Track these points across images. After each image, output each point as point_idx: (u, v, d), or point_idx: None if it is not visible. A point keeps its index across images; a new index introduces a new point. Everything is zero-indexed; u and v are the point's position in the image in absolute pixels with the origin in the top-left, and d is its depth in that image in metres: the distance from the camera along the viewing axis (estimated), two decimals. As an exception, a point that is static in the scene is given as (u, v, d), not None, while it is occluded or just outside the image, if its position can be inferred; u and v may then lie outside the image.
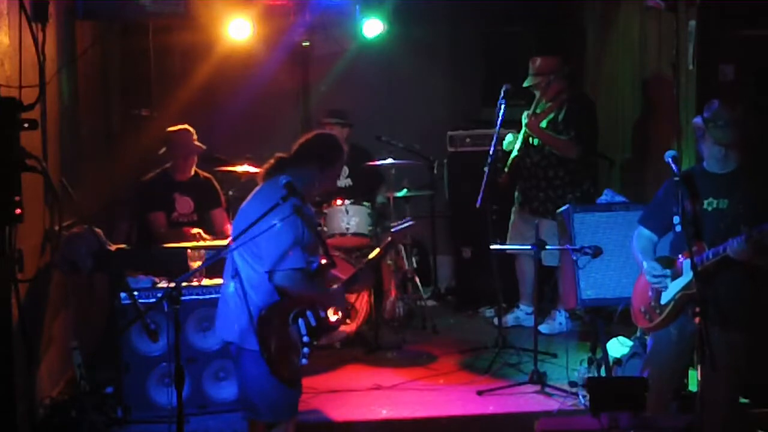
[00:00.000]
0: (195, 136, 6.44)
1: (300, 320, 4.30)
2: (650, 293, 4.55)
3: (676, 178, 4.42)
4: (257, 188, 4.48)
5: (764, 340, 4.64)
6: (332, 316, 4.51)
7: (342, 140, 4.49)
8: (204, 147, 6.48)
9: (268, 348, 4.24)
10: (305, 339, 4.28)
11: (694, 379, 4.46)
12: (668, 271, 4.47)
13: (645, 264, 4.56)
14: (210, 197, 6.53)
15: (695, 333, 4.36)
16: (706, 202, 4.44)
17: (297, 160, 4.43)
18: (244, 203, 4.46)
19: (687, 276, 4.36)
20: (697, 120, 4.55)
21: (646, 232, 4.70)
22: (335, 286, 4.50)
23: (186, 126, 6.43)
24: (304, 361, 4.29)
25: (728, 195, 4.40)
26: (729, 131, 4.41)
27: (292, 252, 4.22)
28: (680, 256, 4.44)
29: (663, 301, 4.48)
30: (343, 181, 7.54)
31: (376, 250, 4.81)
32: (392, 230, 5.14)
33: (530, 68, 6.92)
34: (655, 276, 4.49)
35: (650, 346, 4.69)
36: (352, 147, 7.54)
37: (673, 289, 4.44)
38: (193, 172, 6.50)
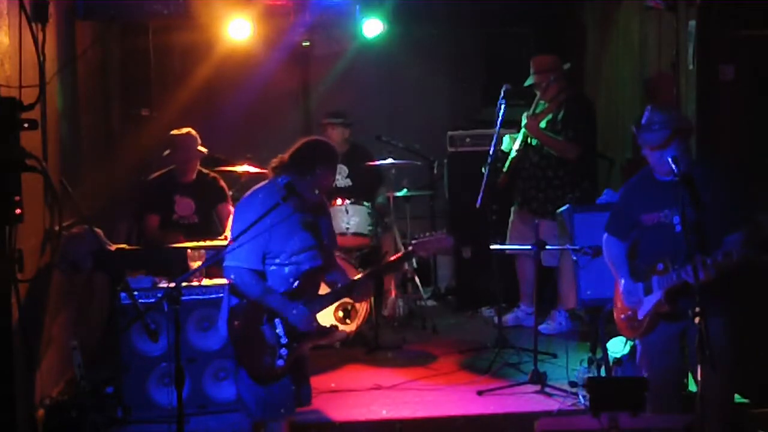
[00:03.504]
0: (199, 141, 6.44)
1: (276, 320, 4.32)
2: (627, 305, 4.57)
3: (676, 179, 4.41)
4: (259, 187, 4.54)
5: (762, 337, 4.64)
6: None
7: (336, 142, 4.44)
8: (206, 151, 6.48)
9: (235, 346, 4.32)
10: (282, 340, 4.30)
11: (692, 379, 4.46)
12: (642, 290, 4.48)
13: (622, 282, 4.59)
14: (214, 194, 6.52)
15: (681, 333, 4.42)
16: (662, 214, 4.42)
17: (289, 166, 4.46)
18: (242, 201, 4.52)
19: (657, 294, 4.38)
20: (633, 128, 4.55)
21: (612, 239, 4.72)
22: (323, 294, 4.50)
23: (190, 130, 6.43)
24: (280, 362, 4.29)
25: (676, 206, 4.31)
26: (661, 134, 4.37)
27: (248, 248, 4.23)
28: (653, 277, 4.41)
29: (640, 317, 4.50)
30: (343, 181, 7.53)
31: (390, 259, 4.78)
32: (413, 241, 4.62)
33: (531, 68, 6.93)
34: (631, 296, 4.52)
35: (640, 351, 4.71)
36: (352, 147, 7.59)
37: (646, 305, 4.46)
38: (196, 174, 6.50)
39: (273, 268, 4.41)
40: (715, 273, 4.11)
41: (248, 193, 4.54)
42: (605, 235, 4.76)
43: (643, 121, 4.47)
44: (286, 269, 4.40)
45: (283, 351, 4.30)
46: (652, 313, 4.42)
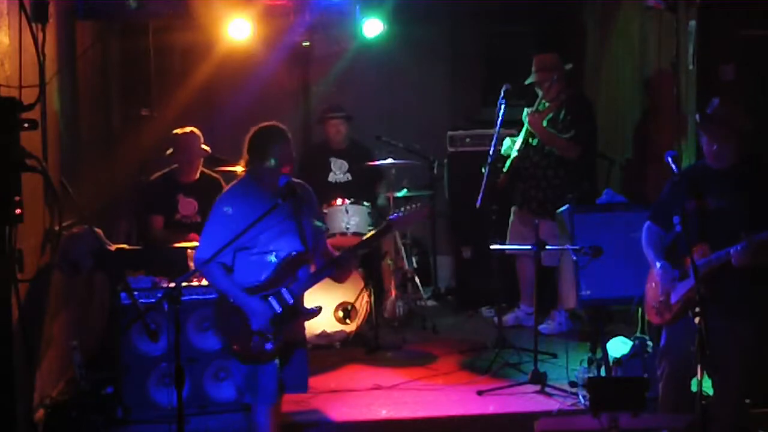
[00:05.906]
0: (201, 139, 6.42)
1: None
2: (660, 290, 4.57)
3: (676, 179, 4.43)
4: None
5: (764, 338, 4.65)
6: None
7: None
8: (209, 150, 6.45)
9: (219, 330, 4.49)
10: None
11: (694, 379, 4.46)
12: (678, 274, 4.50)
13: (657, 264, 4.59)
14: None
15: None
16: (708, 201, 4.45)
17: (249, 159, 4.55)
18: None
19: (692, 279, 4.37)
20: (697, 116, 4.58)
21: (654, 227, 4.72)
22: (307, 275, 4.54)
23: (193, 129, 6.41)
24: (268, 345, 4.35)
25: (726, 194, 4.42)
26: (721, 128, 4.42)
27: (216, 243, 4.27)
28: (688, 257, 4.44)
29: (672, 301, 4.50)
30: (343, 176, 7.52)
31: (368, 234, 4.86)
32: (390, 217, 4.77)
33: (533, 66, 6.92)
34: (666, 277, 4.53)
35: (664, 338, 4.70)
36: (351, 143, 7.60)
37: (680, 289, 4.47)
38: (199, 174, 6.47)
39: (253, 258, 4.43)
40: (746, 256, 4.19)
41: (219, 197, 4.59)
42: (647, 223, 4.75)
43: (708, 110, 4.51)
44: (267, 257, 4.43)
45: (270, 334, 4.36)
46: (685, 298, 4.42)
